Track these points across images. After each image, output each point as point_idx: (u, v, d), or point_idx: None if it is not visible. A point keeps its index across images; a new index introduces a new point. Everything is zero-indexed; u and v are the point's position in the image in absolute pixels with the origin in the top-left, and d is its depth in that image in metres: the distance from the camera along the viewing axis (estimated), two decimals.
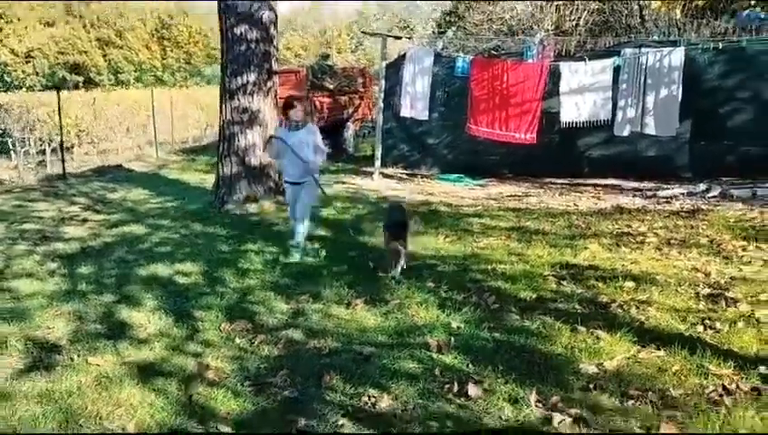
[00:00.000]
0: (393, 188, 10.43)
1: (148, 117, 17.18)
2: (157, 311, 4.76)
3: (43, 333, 4.43)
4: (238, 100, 8.37)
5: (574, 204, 8.72)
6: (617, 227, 7.08)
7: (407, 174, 11.95)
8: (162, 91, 22.74)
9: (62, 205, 9.36)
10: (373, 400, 3.41)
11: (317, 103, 14.86)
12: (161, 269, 5.79)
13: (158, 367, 3.87)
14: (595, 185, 10.15)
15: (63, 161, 12.39)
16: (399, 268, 5.39)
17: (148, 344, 4.20)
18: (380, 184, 10.85)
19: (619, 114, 9.42)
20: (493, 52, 13.50)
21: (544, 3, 13.83)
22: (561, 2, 13.46)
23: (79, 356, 4.00)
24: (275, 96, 8.85)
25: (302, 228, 6.14)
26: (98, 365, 3.89)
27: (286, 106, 5.97)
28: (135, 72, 40.12)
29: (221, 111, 8.60)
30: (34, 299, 5.07)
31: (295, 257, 5.98)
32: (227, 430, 3.17)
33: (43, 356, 4.05)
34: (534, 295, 4.88)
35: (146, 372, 3.78)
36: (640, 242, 6.31)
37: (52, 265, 6.00)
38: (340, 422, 3.20)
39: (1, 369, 3.89)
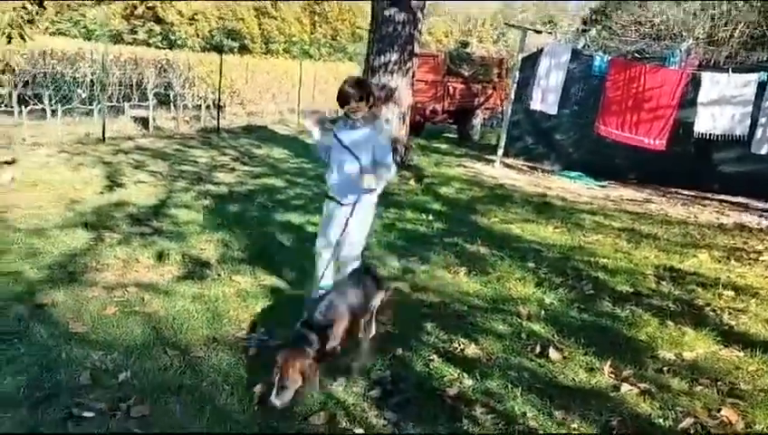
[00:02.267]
0: (512, 178, 10.71)
1: (293, 86, 18.49)
2: (284, 247, 5.53)
3: (197, 252, 5.33)
4: (379, 76, 9.05)
5: (695, 216, 8.59)
6: (732, 242, 7.00)
7: (527, 166, 12.15)
8: (308, 63, 24.19)
9: (214, 154, 10.58)
10: (462, 346, 3.91)
11: (450, 88, 15.29)
12: (294, 217, 6.60)
13: (287, 291, 4.60)
14: (722, 201, 9.85)
15: (219, 117, 13.80)
16: (287, 396, 3.00)
17: (279, 273, 4.95)
18: (500, 172, 11.17)
19: (759, 131, 9.07)
20: (636, 54, 13.24)
21: (699, 10, 13.31)
22: (716, 11, 12.91)
23: (224, 273, 4.83)
24: (413, 77, 9.45)
25: (328, 271, 4.16)
26: (239, 282, 4.69)
27: (340, 98, 3.87)
28: (284, 43, 42.52)
29: None
30: (191, 226, 6.03)
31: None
32: None
33: (196, 269, 4.92)
34: (631, 289, 5.12)
35: (276, 294, 4.52)
36: (753, 259, 6.26)
37: (205, 202, 6.99)
38: (431, 357, 3.73)
39: (164, 274, 4.80)
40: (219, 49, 18.61)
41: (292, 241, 5.77)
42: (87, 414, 2.95)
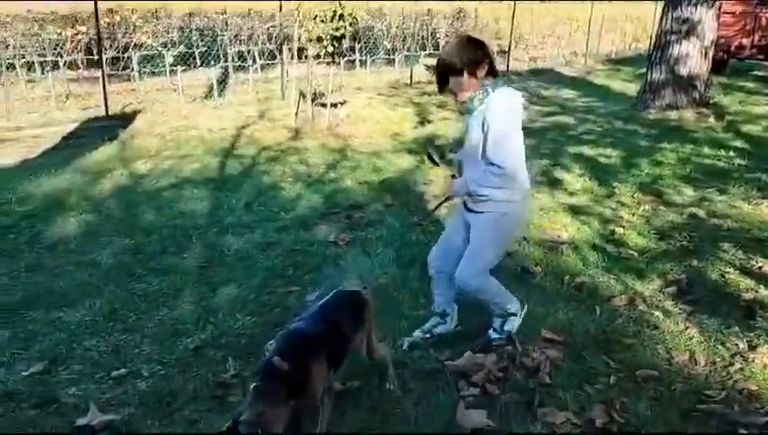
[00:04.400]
0: None
1: (576, 29, 18.25)
2: (582, 176, 6.06)
3: None
4: (681, 10, 8.75)
5: None
6: None
7: None
8: (596, 5, 23.37)
9: None
10: (759, 265, 4.09)
11: (762, 20, 13.64)
12: (586, 150, 7.06)
13: (583, 209, 5.18)
14: None
15: (508, 60, 14.53)
16: None
17: (575, 195, 5.55)
18: None
19: None
20: None
21: None
22: None
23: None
24: (719, 8, 8.91)
25: (447, 298, 3.26)
26: (539, 199, 5.40)
27: (439, 76, 2.85)
28: None
29: (660, 21, 9.13)
30: None
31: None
32: (632, 253, 4.29)
33: None
34: None
35: (574, 210, 5.14)
36: None
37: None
38: (726, 270, 4.01)
39: None
40: None
41: (585, 169, 6.26)
42: None
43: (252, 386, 2.12)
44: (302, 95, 8.79)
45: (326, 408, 2.40)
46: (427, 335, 3.23)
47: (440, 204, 3.39)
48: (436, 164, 3.16)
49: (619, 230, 4.69)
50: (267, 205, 5.39)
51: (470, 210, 3.02)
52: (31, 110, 9.56)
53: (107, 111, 9.12)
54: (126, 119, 8.84)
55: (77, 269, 4.13)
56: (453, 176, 3.06)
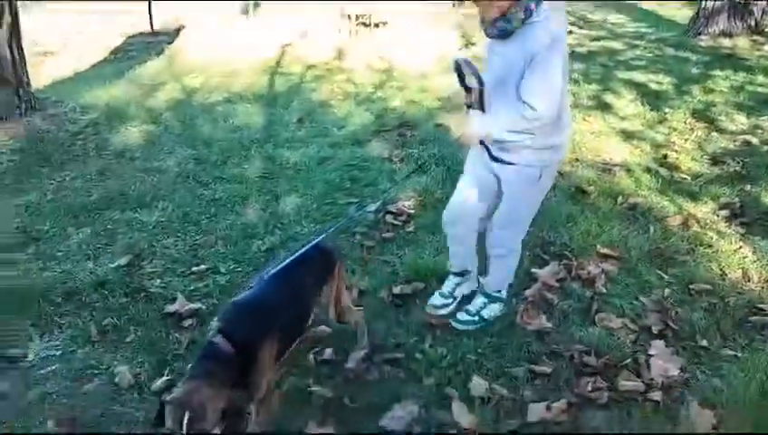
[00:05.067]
0: None
1: None
2: (633, 101, 6.00)
3: None
4: None
5: None
6: None
7: None
8: None
9: None
10: None
11: None
12: (636, 76, 6.92)
13: (635, 134, 5.18)
14: None
15: None
16: None
17: (627, 120, 5.52)
18: None
19: None
20: None
21: None
22: None
23: (578, 114, 5.57)
24: None
25: (467, 256, 2.89)
26: (590, 123, 5.40)
27: None
28: None
29: None
30: None
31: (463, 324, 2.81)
32: (685, 177, 4.34)
33: None
34: None
35: (626, 134, 5.14)
36: None
37: None
38: None
39: None
40: None
41: (636, 94, 6.18)
42: None
43: (189, 366, 1.94)
44: (347, 16, 8.69)
45: (267, 403, 2.14)
46: (449, 301, 2.89)
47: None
48: (469, 90, 2.45)
49: (672, 155, 4.70)
50: (319, 121, 5.49)
51: (496, 159, 2.52)
52: (76, 23, 9.61)
53: (152, 26, 9.14)
54: (170, 34, 8.86)
55: (145, 175, 4.33)
56: (469, 106, 2.46)
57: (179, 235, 3.59)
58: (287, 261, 2.19)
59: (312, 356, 2.61)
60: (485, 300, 2.85)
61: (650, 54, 8.01)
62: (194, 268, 3.25)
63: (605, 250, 3.37)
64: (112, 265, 3.26)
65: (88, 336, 2.76)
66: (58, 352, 2.68)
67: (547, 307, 2.95)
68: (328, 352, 2.63)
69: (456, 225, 2.76)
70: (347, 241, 3.52)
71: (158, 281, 3.15)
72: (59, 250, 3.43)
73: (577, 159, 4.60)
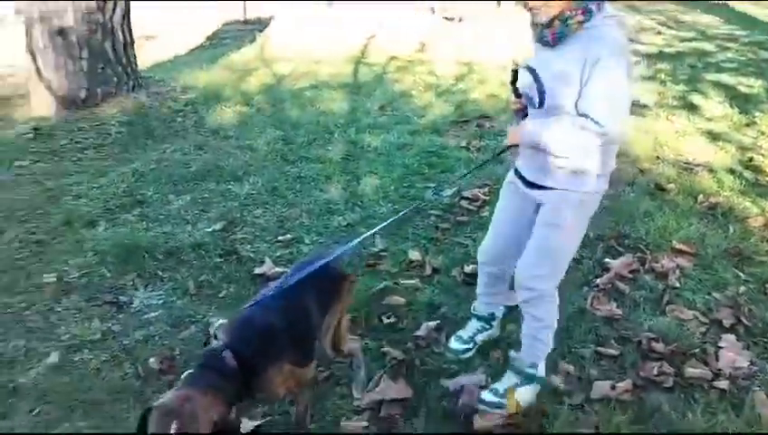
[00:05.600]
0: None
1: None
2: (721, 103, 5.85)
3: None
4: None
5: None
6: None
7: None
8: None
9: (639, 18, 10.81)
10: None
11: None
12: (726, 78, 6.74)
13: (721, 136, 5.07)
14: None
15: None
16: None
17: (713, 121, 5.42)
18: None
19: None
20: None
21: None
22: None
23: (662, 113, 5.51)
24: None
25: (496, 299, 2.66)
26: (674, 123, 5.33)
27: None
28: None
29: None
30: None
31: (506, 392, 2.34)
32: None
33: (635, 110, 5.69)
34: None
35: (711, 135, 5.04)
36: None
37: (635, 59, 7.58)
38: None
39: None
40: None
41: (724, 97, 6.02)
42: None
43: (184, 375, 1.76)
44: (431, 9, 8.82)
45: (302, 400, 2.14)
46: (469, 346, 2.61)
47: (502, 151, 2.59)
48: (520, 97, 2.22)
49: (759, 158, 4.60)
50: (400, 110, 5.66)
51: (533, 184, 2.20)
52: (175, 11, 10.20)
53: (245, 15, 9.58)
54: (261, 23, 9.26)
55: (238, 151, 4.63)
56: (520, 112, 2.24)
57: (268, 206, 3.85)
58: (295, 278, 2.02)
59: (385, 320, 2.79)
60: (517, 380, 2.34)
61: (743, 57, 7.75)
62: (280, 237, 3.49)
63: (680, 246, 3.37)
64: (208, 230, 3.55)
65: (186, 289, 3.04)
66: (159, 302, 2.97)
67: (618, 296, 3.01)
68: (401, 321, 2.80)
69: (493, 263, 2.48)
70: (422, 221, 3.68)
71: (249, 246, 3.41)
72: (161, 214, 3.75)
73: (658, 157, 4.58)
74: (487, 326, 2.66)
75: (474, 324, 2.66)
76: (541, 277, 2.22)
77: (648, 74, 6.82)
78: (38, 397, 2.40)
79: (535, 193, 2.20)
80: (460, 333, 2.65)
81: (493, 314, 2.66)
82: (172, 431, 1.50)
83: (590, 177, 2.08)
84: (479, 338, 2.63)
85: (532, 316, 2.29)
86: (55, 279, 3.11)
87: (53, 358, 2.60)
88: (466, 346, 2.60)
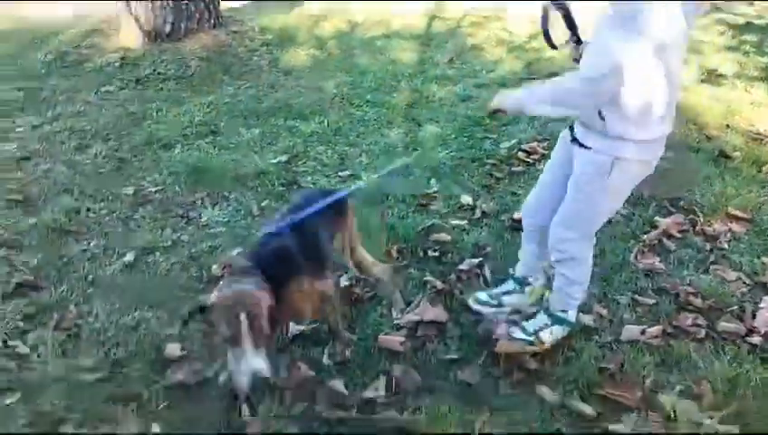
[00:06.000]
0: None
1: None
2: None
3: (713, 66, 5.86)
4: None
5: None
6: None
7: None
8: None
9: None
10: None
11: None
12: None
13: None
14: None
15: None
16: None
17: None
18: None
19: None
20: None
21: None
22: None
23: (740, 84, 5.32)
24: None
25: (534, 262, 2.59)
26: (751, 94, 5.13)
27: None
28: None
29: None
30: (703, 46, 6.50)
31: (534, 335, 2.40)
32: None
33: (712, 78, 5.50)
34: None
35: None
36: None
37: (720, 28, 7.25)
38: None
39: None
40: None
41: None
42: None
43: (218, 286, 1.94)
44: None
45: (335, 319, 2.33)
46: (494, 303, 2.60)
47: (489, 115, 2.55)
48: (554, 47, 2.24)
49: None
50: (469, 63, 5.69)
51: (576, 140, 2.18)
52: None
53: None
54: None
55: (307, 92, 4.84)
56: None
57: (330, 144, 4.04)
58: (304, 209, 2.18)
59: (430, 253, 2.95)
60: (548, 321, 2.41)
61: None
62: (339, 173, 3.69)
63: (736, 212, 3.34)
64: (273, 161, 3.78)
65: (249, 211, 3.30)
66: (225, 219, 3.24)
67: (663, 252, 3.04)
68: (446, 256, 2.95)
69: (535, 215, 2.45)
70: (477, 170, 3.78)
71: (309, 178, 3.63)
72: (231, 142, 4.02)
73: (728, 126, 4.46)
74: (519, 289, 2.61)
75: (506, 285, 2.65)
76: (570, 241, 2.24)
77: (732, 44, 6.53)
78: (113, 289, 2.71)
79: (575, 149, 2.19)
80: (491, 289, 2.67)
81: (526, 279, 2.61)
82: (241, 319, 1.69)
83: (628, 143, 2.01)
84: (506, 300, 2.60)
85: (563, 275, 2.33)
86: (133, 192, 3.44)
87: (129, 257, 2.91)
88: (490, 301, 2.60)
